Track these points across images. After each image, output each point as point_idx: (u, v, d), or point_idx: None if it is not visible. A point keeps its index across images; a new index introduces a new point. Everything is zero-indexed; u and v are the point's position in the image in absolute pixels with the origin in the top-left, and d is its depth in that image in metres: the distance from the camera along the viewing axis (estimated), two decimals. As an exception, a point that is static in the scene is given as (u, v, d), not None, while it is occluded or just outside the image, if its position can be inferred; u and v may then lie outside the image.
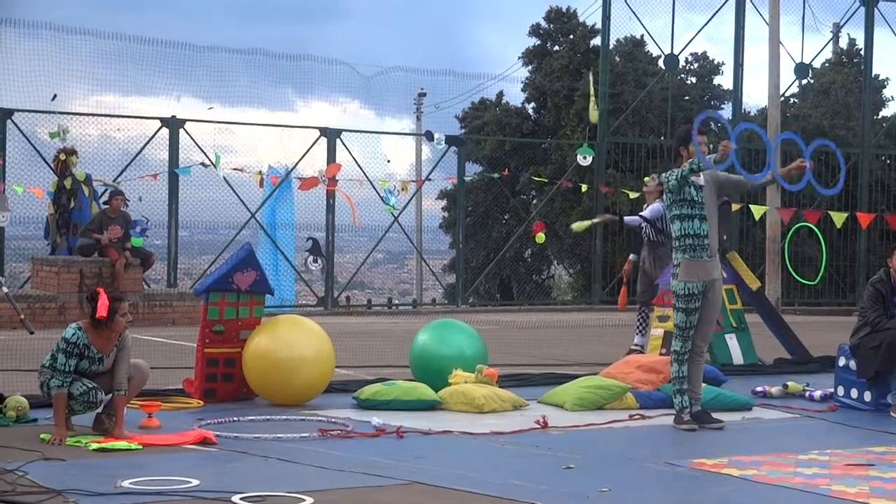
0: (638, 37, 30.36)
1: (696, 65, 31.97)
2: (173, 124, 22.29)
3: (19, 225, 21.59)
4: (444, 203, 32.35)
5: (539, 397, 11.67)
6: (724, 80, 30.96)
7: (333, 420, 10.23)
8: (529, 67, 32.65)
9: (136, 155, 22.31)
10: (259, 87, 27.32)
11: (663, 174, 10.72)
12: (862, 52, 30.01)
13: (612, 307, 24.90)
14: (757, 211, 22.31)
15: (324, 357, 11.25)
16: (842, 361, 11.93)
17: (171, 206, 22.20)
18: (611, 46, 27.87)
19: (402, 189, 23.47)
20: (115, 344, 9.31)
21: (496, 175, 25.90)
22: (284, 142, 24.99)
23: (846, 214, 22.92)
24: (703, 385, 10.81)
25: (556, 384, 12.05)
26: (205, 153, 22.15)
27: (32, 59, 22.20)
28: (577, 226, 16.96)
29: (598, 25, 28.48)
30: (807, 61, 28.01)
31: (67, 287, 19.02)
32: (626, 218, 15.56)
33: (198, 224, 23.33)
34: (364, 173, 23.58)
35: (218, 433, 9.27)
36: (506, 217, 30.82)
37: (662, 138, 27.77)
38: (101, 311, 9.12)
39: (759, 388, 12.50)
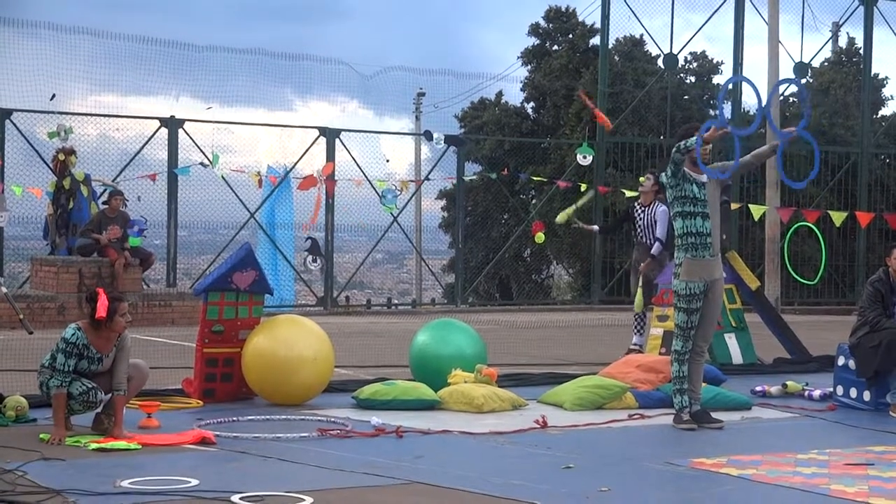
0: (637, 36, 30.37)
1: (695, 64, 31.96)
2: (172, 124, 22.29)
3: (18, 225, 21.59)
4: (443, 203, 32.33)
5: (538, 397, 11.68)
6: (724, 80, 30.97)
7: (333, 420, 10.23)
8: (528, 67, 32.64)
9: (135, 155, 22.30)
10: (258, 86, 27.31)
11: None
12: (861, 51, 30.01)
13: (611, 307, 24.93)
14: (756, 211, 22.31)
15: (323, 357, 11.25)
16: (841, 361, 11.93)
17: (170, 206, 22.20)
18: (610, 46, 27.87)
19: (402, 189, 23.46)
20: (114, 344, 9.31)
21: (495, 175, 25.90)
22: (283, 141, 25.01)
23: (845, 214, 22.92)
24: (703, 385, 10.81)
25: (556, 384, 12.06)
26: (204, 153, 22.14)
27: (31, 58, 22.20)
28: (561, 217, 16.91)
29: (598, 25, 28.49)
30: (806, 60, 28.01)
31: (66, 287, 19.01)
32: (653, 250, 15.41)
33: (197, 224, 23.32)
34: (363, 173, 23.58)
35: (217, 433, 9.27)
36: (505, 217, 30.80)
37: (662, 138, 27.78)
38: (101, 311, 9.12)
39: (758, 388, 12.50)
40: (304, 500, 7.14)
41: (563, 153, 28.71)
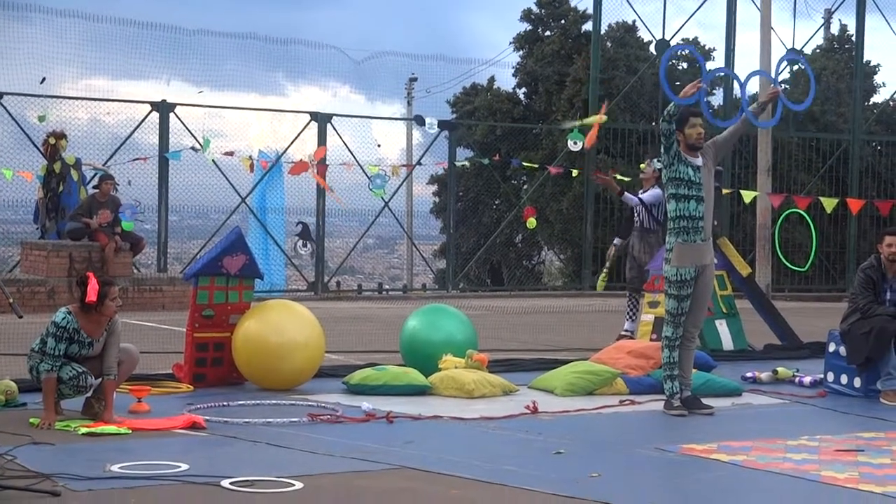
0: (629, 22, 30.35)
1: (687, 51, 31.93)
2: (163, 108, 22.23)
3: (8, 209, 21.56)
4: (434, 188, 32.32)
5: (529, 383, 11.67)
6: (716, 66, 30.94)
7: (323, 405, 10.22)
8: (521, 53, 32.62)
9: (126, 139, 22.27)
10: (250, 71, 27.29)
11: (660, 158, 10.69)
12: (853, 38, 30.01)
13: (602, 293, 24.91)
14: (747, 195, 22.32)
15: (314, 342, 11.24)
16: (832, 347, 11.94)
17: (160, 190, 22.16)
18: (602, 32, 27.85)
19: (394, 173, 23.44)
20: (104, 328, 9.29)
21: (487, 160, 25.88)
22: (275, 126, 24.94)
23: (837, 200, 22.92)
24: (694, 371, 10.81)
25: (546, 370, 12.06)
26: (195, 137, 22.11)
27: (22, 42, 22.16)
28: (600, 283, 16.94)
29: (590, 11, 28.44)
30: (798, 47, 27.98)
31: (57, 271, 18.98)
32: (626, 194, 15.49)
33: (188, 208, 23.30)
34: (355, 158, 23.54)
35: (207, 418, 9.26)
36: (496, 202, 30.79)
37: (654, 124, 27.75)
38: (91, 295, 9.10)
39: (748, 374, 12.51)
40: (294, 484, 7.13)
41: (555, 139, 28.69)
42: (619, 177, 22.90)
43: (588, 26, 29.97)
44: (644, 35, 29.77)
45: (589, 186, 25.69)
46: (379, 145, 25.07)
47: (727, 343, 14.77)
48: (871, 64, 32.15)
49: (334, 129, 23.72)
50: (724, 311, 14.95)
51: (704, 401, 10.54)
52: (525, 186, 30.67)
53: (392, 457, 8.06)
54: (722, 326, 14.84)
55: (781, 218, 17.89)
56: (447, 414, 9.94)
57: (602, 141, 26.62)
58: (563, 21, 31.94)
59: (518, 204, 26.97)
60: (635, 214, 15.64)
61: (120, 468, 7.46)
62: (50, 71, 22.28)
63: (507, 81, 33.09)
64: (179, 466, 7.53)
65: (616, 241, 16.34)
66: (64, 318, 9.17)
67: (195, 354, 11.26)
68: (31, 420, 8.98)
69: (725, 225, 24.97)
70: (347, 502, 7.02)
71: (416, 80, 36.77)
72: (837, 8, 29.81)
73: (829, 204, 21.02)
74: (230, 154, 22.11)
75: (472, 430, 9.39)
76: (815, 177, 27.96)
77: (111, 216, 19.34)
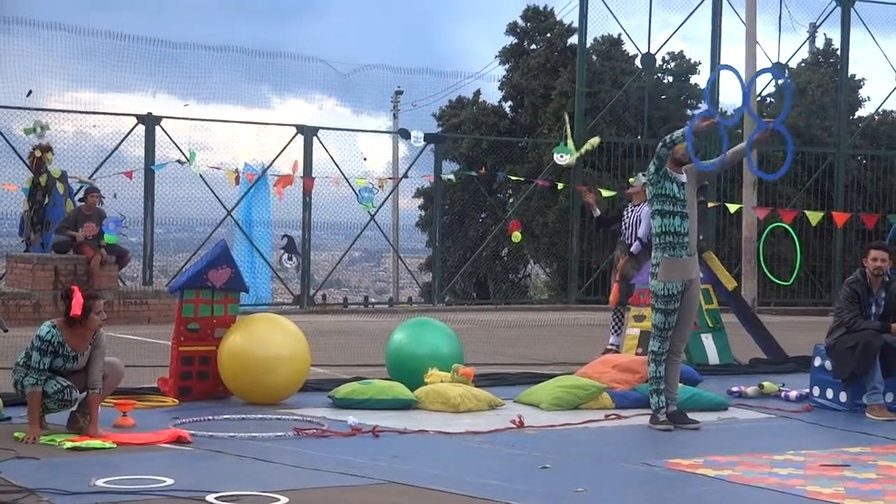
0: (615, 36, 30.39)
1: (672, 64, 32.00)
2: (149, 121, 22.21)
3: (-7, 222, 21.50)
4: (420, 201, 32.31)
5: (515, 397, 11.67)
6: (701, 80, 31.02)
7: (309, 419, 10.21)
8: (506, 66, 32.63)
9: (112, 152, 22.23)
10: (235, 84, 27.28)
11: (646, 173, 10.70)
12: (838, 52, 30.09)
13: (588, 307, 24.94)
14: (732, 206, 22.37)
15: (299, 356, 11.23)
16: (817, 362, 11.95)
17: (146, 203, 22.12)
18: (588, 45, 27.88)
19: (380, 186, 23.44)
20: (89, 342, 9.27)
21: (473, 173, 25.88)
22: (261, 139, 24.95)
23: (822, 214, 22.99)
24: (680, 385, 10.82)
25: (532, 384, 12.05)
26: (181, 150, 22.08)
27: (7, 54, 22.10)
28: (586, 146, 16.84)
29: (576, 24, 28.47)
30: (783, 61, 28.06)
31: (42, 284, 18.94)
32: (634, 246, 15.48)
33: (174, 221, 23.27)
34: (341, 171, 23.52)
35: (193, 432, 9.24)
36: (482, 216, 30.79)
37: (639, 137, 27.81)
38: (76, 309, 9.08)
39: (734, 389, 12.52)
40: (279, 499, 7.12)
41: (541, 152, 28.71)
42: (603, 192, 22.97)
43: (574, 40, 29.98)
44: (629, 49, 29.82)
45: (575, 200, 25.70)
46: (365, 158, 25.11)
47: (713, 357, 14.78)
48: (856, 78, 32.22)
49: (320, 142, 23.70)
50: (710, 325, 14.96)
51: (690, 415, 10.55)
52: (511, 200, 30.68)
53: (378, 471, 8.04)
54: (708, 340, 14.85)
55: (766, 232, 17.94)
56: (433, 428, 9.94)
57: (588, 154, 26.64)
58: (548, 34, 31.97)
59: (504, 217, 26.97)
60: (623, 229, 15.65)
61: (105, 483, 7.44)
62: (36, 83, 22.28)
63: (492, 95, 33.13)
64: (164, 481, 7.51)
65: (598, 212, 16.49)
66: (48, 332, 9.14)
67: (180, 368, 11.24)
68: (16, 434, 8.95)
69: (711, 239, 25.00)
70: (333, 517, 7.01)
71: (401, 93, 36.78)
72: (822, 22, 29.89)
73: (814, 218, 21.13)
74: (216, 167, 22.10)
75: (457, 445, 9.38)
76: (801, 190, 28.02)
77: (97, 229, 19.31)
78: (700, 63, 31.10)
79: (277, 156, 23.71)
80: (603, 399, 11.32)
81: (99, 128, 22.58)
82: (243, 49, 25.75)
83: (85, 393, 9.25)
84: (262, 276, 23.90)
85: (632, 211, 15.68)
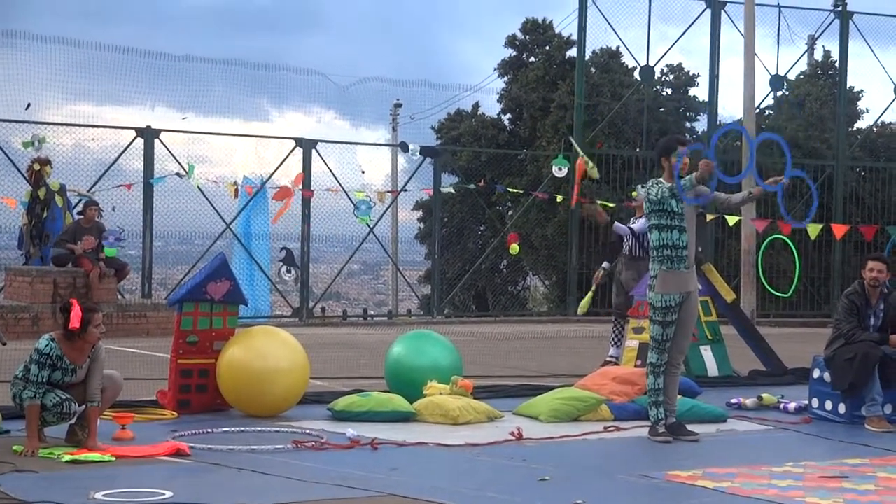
0: (614, 48, 30.40)
1: (671, 76, 32.01)
2: (148, 134, 22.21)
3: (-8, 235, 21.50)
4: (419, 214, 32.31)
5: (514, 409, 11.66)
6: (700, 92, 31.01)
7: (308, 432, 10.21)
8: (505, 78, 32.65)
9: (111, 165, 22.23)
10: (234, 97, 27.29)
11: (645, 185, 10.70)
12: (837, 65, 30.12)
13: (587, 318, 24.91)
14: (731, 219, 22.38)
15: (298, 368, 11.22)
16: (816, 373, 11.95)
17: (145, 216, 22.12)
18: (587, 58, 27.91)
19: (379, 199, 23.44)
20: (88, 355, 9.27)
21: (472, 186, 25.89)
22: (259, 152, 24.94)
23: (821, 226, 22.99)
24: (679, 397, 10.81)
25: (531, 396, 12.05)
26: (180, 163, 22.08)
27: (6, 68, 22.13)
28: (591, 170, 16.82)
29: (574, 37, 28.51)
30: (782, 73, 28.10)
31: (41, 297, 18.93)
32: (616, 224, 15.57)
33: (173, 234, 23.26)
34: (339, 184, 23.52)
35: (191, 445, 9.24)
36: (481, 228, 30.79)
37: (638, 150, 27.82)
38: (74, 322, 9.08)
39: (733, 400, 12.51)
40: (278, 512, 7.12)
41: (540, 165, 28.72)
42: (603, 203, 22.97)
43: (572, 52, 30.01)
44: (628, 61, 29.83)
45: (574, 212, 25.71)
46: (363, 171, 25.08)
47: (712, 369, 14.78)
48: (855, 90, 32.22)
49: (319, 154, 23.70)
50: (709, 337, 14.96)
51: (689, 427, 10.55)
52: (510, 212, 30.68)
53: (377, 484, 8.04)
54: (707, 353, 14.85)
55: (765, 244, 17.94)
56: (432, 440, 9.93)
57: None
58: (547, 47, 31.99)
59: (503, 230, 26.96)
60: (624, 241, 15.67)
61: (104, 496, 7.44)
62: (35, 96, 22.29)
63: (491, 107, 33.14)
64: (163, 494, 7.51)
65: (605, 264, 16.38)
66: (47, 345, 9.14)
67: (179, 381, 11.23)
68: (15, 447, 8.95)
69: (710, 251, 25.01)
70: (332, 530, 7.01)
71: (400, 105, 36.81)
72: (821, 34, 29.89)
73: (813, 229, 21.11)
74: (215, 181, 22.11)
75: (456, 457, 9.37)
76: (800, 203, 28.01)
77: (95, 242, 19.30)
78: (699, 75, 31.11)
79: (276, 169, 23.73)
80: (602, 411, 11.32)
81: (98, 141, 22.60)
82: (242, 62, 25.80)
83: (84, 406, 9.25)
84: (261, 288, 23.89)
85: (633, 223, 15.75)
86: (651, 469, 8.87)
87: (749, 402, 12.46)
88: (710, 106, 27.45)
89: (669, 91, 31.90)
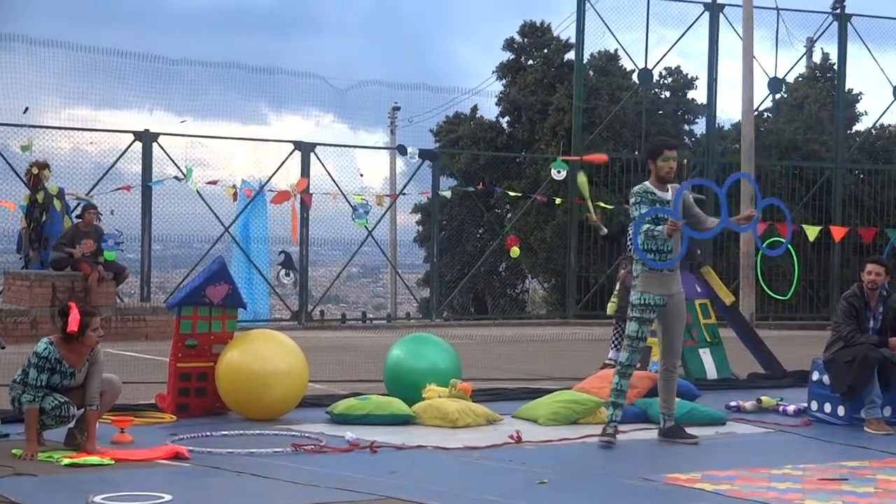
0: (612, 51, 30.40)
1: (669, 79, 32.02)
2: (146, 138, 22.21)
3: (-9, 239, 21.50)
4: (418, 217, 32.31)
5: (513, 412, 11.66)
6: (698, 95, 31.02)
7: (307, 435, 10.20)
8: (503, 81, 32.66)
9: (109, 169, 22.22)
10: (232, 100, 27.35)
11: (633, 189, 10.60)
12: (835, 67, 30.13)
13: (586, 321, 24.93)
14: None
15: (297, 371, 11.22)
16: (815, 376, 11.95)
17: (144, 219, 22.11)
18: (585, 61, 27.92)
19: (378, 203, 23.44)
20: (86, 359, 9.26)
21: (471, 189, 25.89)
22: (258, 155, 24.94)
23: (820, 228, 23.02)
24: (677, 400, 10.80)
25: (530, 399, 12.05)
26: (178, 167, 22.08)
27: (4, 71, 22.12)
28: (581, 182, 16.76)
29: (572, 40, 28.51)
30: (780, 76, 28.10)
31: (40, 301, 18.92)
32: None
33: (171, 238, 23.24)
34: (338, 187, 23.52)
35: (191, 448, 9.24)
36: (480, 231, 30.79)
37: (637, 153, 27.82)
38: (73, 325, 9.08)
39: (732, 403, 12.50)
40: (277, 515, 7.12)
41: (538, 168, 28.72)
42: (602, 205, 22.97)
43: (571, 55, 30.02)
44: (626, 64, 29.84)
45: (572, 215, 25.72)
46: (362, 174, 25.10)
47: (711, 372, 14.78)
48: (853, 92, 32.24)
49: (318, 158, 23.71)
50: (708, 339, 14.96)
51: (688, 430, 10.54)
52: (509, 215, 30.68)
53: (376, 487, 8.04)
54: (706, 355, 14.84)
55: (764, 246, 17.91)
56: (431, 443, 9.93)
57: (585, 169, 26.62)
58: (545, 50, 32.00)
59: (502, 233, 26.96)
60: (627, 243, 15.68)
61: (102, 499, 7.43)
62: (33, 100, 22.30)
63: (490, 110, 33.17)
64: (162, 497, 7.51)
65: (605, 230, 16.40)
66: (45, 349, 9.14)
67: (178, 384, 11.23)
68: (14, 451, 8.95)
69: (709, 254, 25.01)
70: (331, 533, 7.00)
71: (399, 108, 36.82)
72: (819, 37, 29.90)
73: (812, 232, 21.14)
74: (213, 183, 22.10)
75: (455, 460, 9.37)
76: (799, 205, 28.02)
77: (94, 246, 19.29)
78: (697, 78, 31.12)
79: (275, 172, 23.73)
80: (601, 414, 11.30)
81: (96, 144, 22.59)
82: (240, 65, 25.83)
83: (82, 409, 9.25)
84: (260, 292, 23.88)
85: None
86: (650, 472, 8.86)
87: (748, 404, 12.46)
88: (709, 109, 27.46)
89: (668, 94, 31.91)
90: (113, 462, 8.77)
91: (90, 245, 19.26)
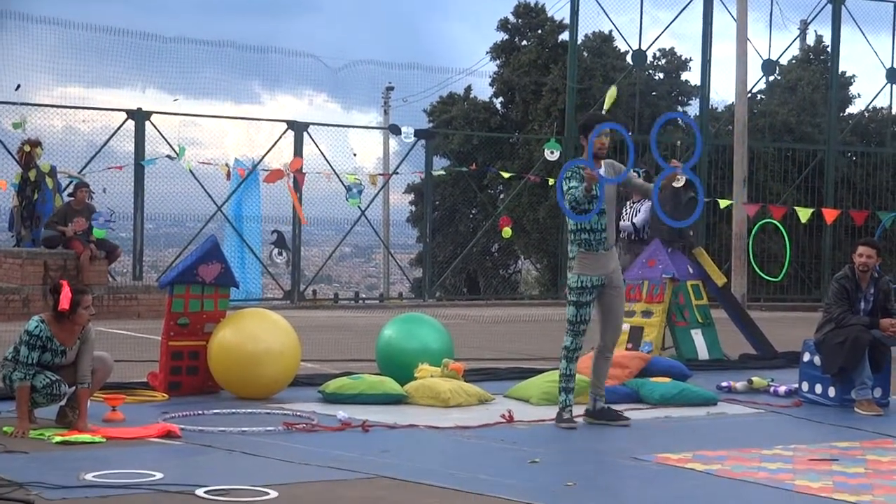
0: (606, 32, 30.39)
1: (663, 61, 32.02)
2: (139, 116, 22.17)
3: (-18, 217, 21.46)
4: (411, 197, 32.32)
5: (505, 392, 11.67)
6: (692, 76, 31.07)
7: (299, 414, 10.21)
8: (497, 62, 32.64)
9: (102, 147, 22.18)
10: (225, 79, 27.22)
11: (569, 169, 10.39)
12: (829, 50, 30.13)
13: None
14: (722, 203, 22.41)
15: (289, 351, 11.23)
16: (806, 357, 11.97)
17: (136, 198, 22.09)
18: (579, 42, 27.89)
19: (371, 183, 23.41)
20: (77, 337, 9.26)
21: (464, 169, 25.88)
22: (251, 134, 24.90)
23: (812, 210, 23.00)
24: (669, 380, 10.81)
25: (522, 378, 12.07)
26: (171, 145, 22.03)
27: (-5, 48, 22.07)
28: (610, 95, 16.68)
29: (567, 21, 28.46)
30: (774, 58, 28.11)
31: (31, 279, 18.91)
32: (621, 223, 15.56)
33: (164, 217, 23.21)
34: (331, 167, 23.50)
35: (182, 426, 9.24)
36: (473, 211, 30.81)
37: (630, 134, 27.77)
38: (64, 303, 9.07)
39: (723, 384, 12.53)
40: (269, 493, 7.12)
41: (531, 148, 28.73)
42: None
43: (565, 36, 29.99)
44: (620, 45, 29.84)
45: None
46: (355, 154, 25.06)
47: (702, 353, 14.79)
48: (847, 75, 32.26)
49: (311, 137, 23.68)
50: (700, 320, 14.97)
51: (680, 410, 10.56)
52: (502, 196, 30.69)
53: (368, 466, 8.05)
54: (697, 336, 14.85)
55: (756, 228, 17.94)
56: (423, 423, 9.94)
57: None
58: (539, 31, 31.97)
59: (495, 213, 26.97)
60: (622, 227, 15.71)
61: (94, 477, 7.43)
62: (25, 78, 22.24)
63: (483, 91, 33.13)
64: (154, 475, 7.51)
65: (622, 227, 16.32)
66: (37, 327, 9.14)
67: (170, 363, 11.23)
68: (5, 429, 8.94)
69: (701, 235, 25.02)
70: (322, 511, 7.01)
71: (392, 88, 36.78)
72: (813, 19, 29.91)
73: (804, 214, 21.08)
74: (207, 163, 22.08)
75: (447, 439, 9.38)
76: (791, 187, 28.05)
77: (86, 224, 19.27)
78: (691, 59, 31.15)
79: (268, 151, 23.70)
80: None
81: (88, 123, 22.57)
82: (233, 44, 25.71)
83: (74, 387, 9.25)
84: (253, 271, 23.88)
85: (631, 207, 15.82)
86: (641, 451, 8.87)
87: (739, 385, 12.48)
88: (702, 90, 27.44)
89: (661, 75, 31.91)
90: (104, 440, 8.77)
91: (82, 223, 19.24)
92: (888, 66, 28.66)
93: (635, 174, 10.69)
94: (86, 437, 8.76)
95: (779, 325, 19.42)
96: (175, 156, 21.61)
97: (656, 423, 10.48)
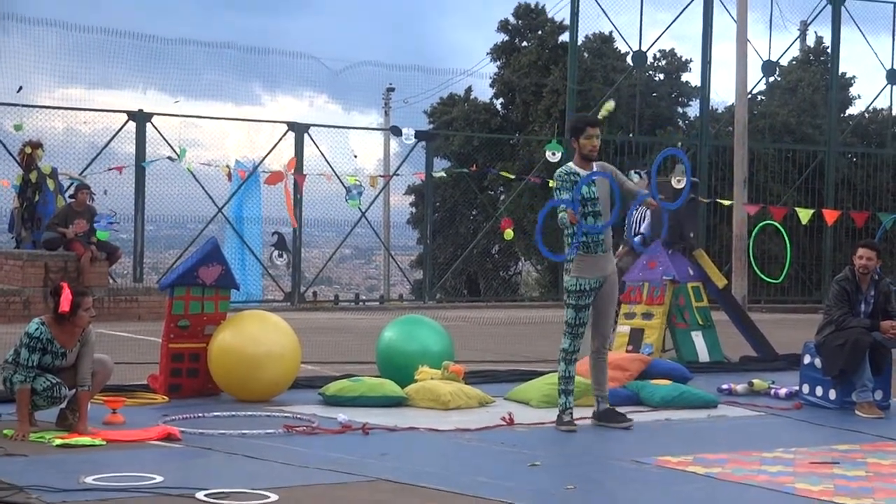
0: (606, 33, 30.39)
1: (663, 62, 32.01)
2: (140, 118, 22.17)
3: (-17, 218, 21.48)
4: (411, 198, 32.31)
5: (505, 394, 11.67)
6: (692, 77, 31.05)
7: (299, 416, 10.20)
8: (498, 63, 32.65)
9: (103, 148, 22.19)
10: (226, 80, 27.23)
11: (560, 173, 10.40)
12: (829, 51, 30.12)
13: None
14: (723, 203, 22.42)
15: (290, 353, 11.22)
16: (807, 359, 11.96)
17: (137, 200, 22.10)
18: (579, 43, 27.88)
19: (371, 184, 23.40)
20: (78, 339, 9.26)
21: (464, 170, 25.88)
22: (251, 136, 24.90)
23: (812, 212, 23.00)
24: (669, 382, 10.80)
25: (523, 381, 12.06)
26: (172, 147, 22.04)
27: (-3, 51, 22.08)
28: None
29: (567, 21, 28.45)
30: (774, 59, 28.09)
31: (32, 281, 18.91)
32: (633, 243, 15.53)
33: (164, 218, 23.23)
34: (332, 168, 23.50)
35: (183, 429, 9.23)
36: (473, 213, 30.80)
37: (631, 135, 27.81)
38: (64, 305, 9.07)
39: (724, 386, 12.52)
40: (269, 497, 7.12)
41: (532, 149, 28.72)
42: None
43: (565, 37, 29.99)
44: (621, 46, 29.84)
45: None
46: (356, 156, 25.07)
47: (703, 355, 14.78)
48: (847, 76, 32.24)
49: (311, 139, 23.68)
50: (700, 322, 14.95)
51: (681, 413, 10.55)
52: (502, 197, 30.68)
53: (368, 469, 8.04)
54: (698, 338, 14.84)
55: (757, 229, 17.94)
56: (423, 425, 9.94)
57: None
58: (539, 32, 31.98)
59: (495, 215, 26.96)
60: (625, 229, 15.72)
61: (94, 480, 7.43)
62: (26, 80, 22.23)
63: (484, 92, 33.15)
64: (154, 478, 7.51)
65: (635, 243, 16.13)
66: (37, 329, 9.13)
67: (170, 365, 11.23)
68: (5, 431, 8.94)
69: (701, 236, 25.01)
70: (323, 515, 7.01)
71: (393, 90, 36.80)
72: (813, 20, 29.90)
73: (804, 215, 21.08)
74: (207, 164, 22.09)
75: (447, 442, 9.38)
76: (791, 188, 28.05)
77: (87, 226, 19.27)
78: (691, 60, 31.13)
79: (269, 153, 23.71)
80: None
81: (89, 124, 22.57)
82: (234, 45, 25.77)
83: (74, 390, 9.25)
84: (253, 273, 23.88)
85: (636, 210, 15.76)
86: (641, 454, 8.87)
87: (740, 387, 12.48)
88: (703, 91, 27.43)
89: (662, 76, 31.91)
90: (104, 443, 8.77)
91: (83, 225, 19.25)
92: (888, 67, 28.66)
93: (631, 180, 10.68)
94: (86, 439, 8.76)
95: (779, 327, 19.42)
96: (176, 157, 21.60)
97: (657, 425, 10.48)
